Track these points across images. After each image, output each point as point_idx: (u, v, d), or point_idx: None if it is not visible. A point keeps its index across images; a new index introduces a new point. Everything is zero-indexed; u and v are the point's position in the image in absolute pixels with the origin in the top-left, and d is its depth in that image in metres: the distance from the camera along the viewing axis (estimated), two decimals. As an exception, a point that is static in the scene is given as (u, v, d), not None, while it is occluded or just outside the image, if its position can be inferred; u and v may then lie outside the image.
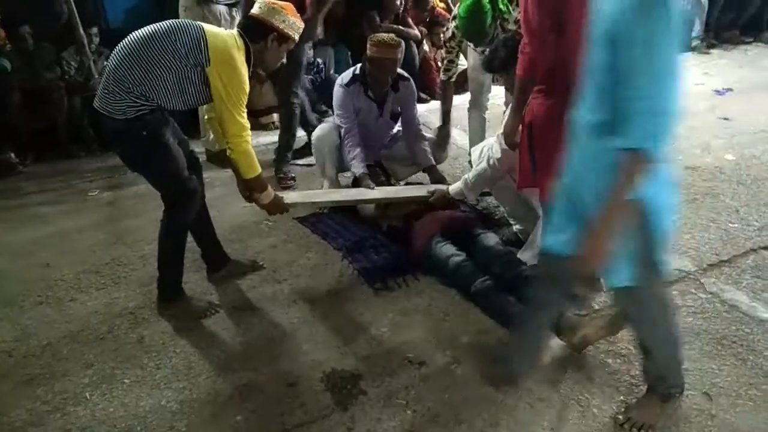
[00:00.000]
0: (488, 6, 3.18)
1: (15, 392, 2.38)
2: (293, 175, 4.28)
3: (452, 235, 3.01)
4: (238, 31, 2.65)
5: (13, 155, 4.64)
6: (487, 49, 3.34)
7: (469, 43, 3.66)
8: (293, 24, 2.70)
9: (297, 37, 2.76)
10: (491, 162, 2.92)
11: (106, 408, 2.29)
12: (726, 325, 2.57)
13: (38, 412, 2.28)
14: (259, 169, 2.70)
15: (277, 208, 2.91)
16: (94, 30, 4.94)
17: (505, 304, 2.60)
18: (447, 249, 2.90)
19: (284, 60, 2.92)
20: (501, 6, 3.24)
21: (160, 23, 2.54)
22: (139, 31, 2.53)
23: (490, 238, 3.00)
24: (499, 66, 2.99)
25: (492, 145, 2.96)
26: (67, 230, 3.69)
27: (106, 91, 2.49)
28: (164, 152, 2.59)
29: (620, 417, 2.13)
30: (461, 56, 4.03)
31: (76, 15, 4.61)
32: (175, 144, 2.64)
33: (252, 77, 2.66)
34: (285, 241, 3.42)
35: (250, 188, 2.80)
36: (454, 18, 3.52)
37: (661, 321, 2.00)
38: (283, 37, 2.70)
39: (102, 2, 5.42)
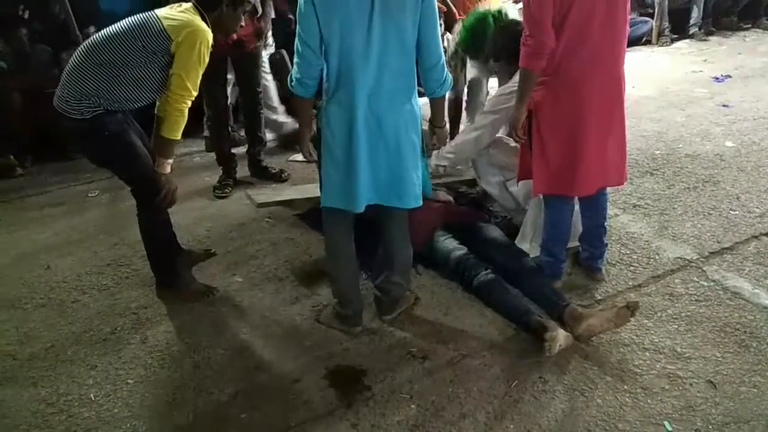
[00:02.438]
0: (492, 23, 3.19)
1: (20, 395, 2.38)
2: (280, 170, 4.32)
3: (453, 228, 3.01)
4: (192, 3, 2.64)
5: (12, 157, 4.64)
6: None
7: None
8: None
9: None
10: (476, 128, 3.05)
11: (111, 409, 2.29)
12: (729, 313, 2.57)
13: (43, 414, 2.28)
14: (180, 137, 2.61)
15: (166, 182, 2.67)
16: (92, 29, 4.92)
17: (508, 297, 2.60)
18: (449, 243, 2.90)
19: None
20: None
21: (122, 23, 2.55)
22: (103, 32, 2.55)
23: (493, 230, 3.00)
24: (495, 54, 3.03)
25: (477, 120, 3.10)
26: (68, 231, 3.69)
27: (64, 91, 2.51)
28: (128, 151, 2.60)
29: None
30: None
31: (72, 15, 4.60)
32: (137, 140, 2.65)
33: None
34: (286, 239, 3.42)
35: (161, 148, 2.63)
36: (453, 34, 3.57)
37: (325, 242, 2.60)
38: (237, 0, 2.73)
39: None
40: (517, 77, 2.87)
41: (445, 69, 2.32)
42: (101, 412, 2.28)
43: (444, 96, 2.44)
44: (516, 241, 2.99)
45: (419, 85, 2.34)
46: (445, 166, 3.32)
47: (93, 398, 2.35)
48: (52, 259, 3.37)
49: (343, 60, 2.18)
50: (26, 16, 4.85)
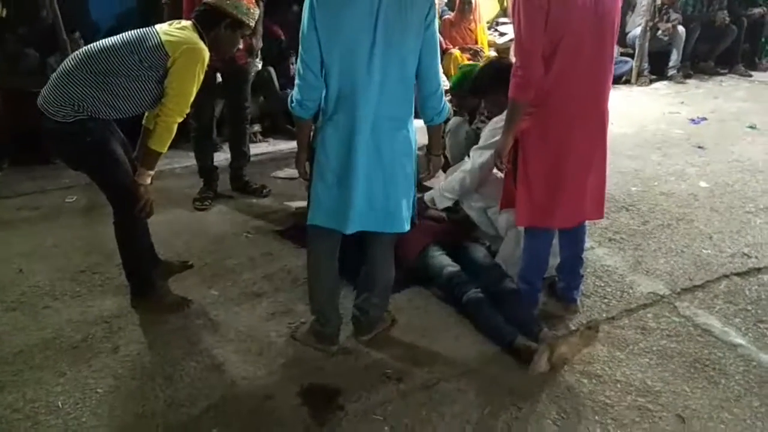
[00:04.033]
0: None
1: (-15, 399, 2.34)
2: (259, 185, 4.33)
3: (442, 246, 3.03)
4: (192, 22, 2.68)
5: (-10, 159, 4.59)
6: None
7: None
8: (246, 10, 2.77)
9: (251, 23, 2.84)
10: (472, 167, 3.07)
11: (79, 417, 2.25)
12: (699, 349, 2.61)
13: (9, 420, 2.23)
14: (166, 150, 2.63)
15: (145, 192, 2.66)
16: (77, 34, 4.91)
17: (494, 318, 2.62)
18: (442, 259, 2.93)
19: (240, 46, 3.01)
20: None
21: (122, 36, 2.58)
22: (101, 43, 2.57)
23: (478, 251, 3.03)
24: (484, 88, 3.11)
25: (472, 157, 3.11)
26: (43, 236, 3.64)
27: (50, 93, 2.51)
28: (108, 159, 2.60)
29: None
30: None
31: (60, 20, 4.59)
32: (119, 148, 2.65)
33: None
34: (265, 254, 3.41)
35: (145, 159, 2.64)
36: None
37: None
38: (237, 23, 2.77)
39: (87, 7, 5.41)
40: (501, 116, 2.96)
41: (443, 97, 2.36)
42: (68, 421, 2.23)
43: (441, 124, 2.47)
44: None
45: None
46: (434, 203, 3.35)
47: (60, 406, 2.30)
48: (25, 262, 3.32)
49: (343, 84, 2.20)
50: (4, 14, 4.84)
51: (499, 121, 2.96)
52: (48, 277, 3.17)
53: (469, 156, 3.22)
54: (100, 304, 2.93)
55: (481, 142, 3.12)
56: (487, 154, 3.01)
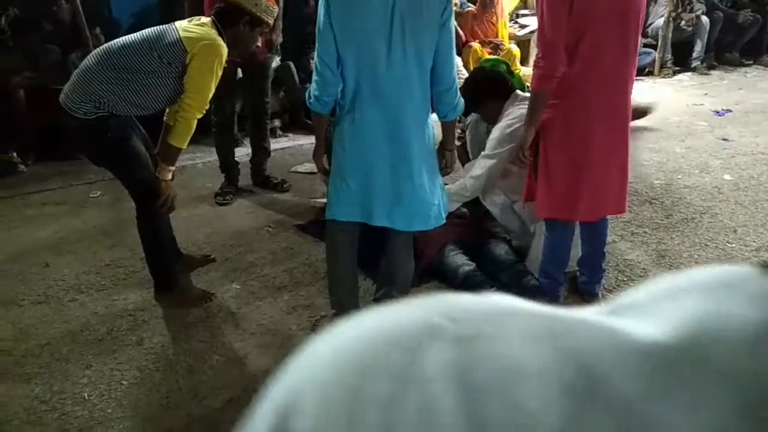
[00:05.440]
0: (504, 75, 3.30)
1: (13, 391, 2.38)
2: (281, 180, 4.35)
3: (464, 243, 3.03)
4: (211, 19, 2.70)
5: (15, 154, 4.66)
6: None
7: None
8: (266, 8, 2.79)
9: (270, 21, 2.86)
10: (482, 173, 3.05)
11: (104, 409, 2.29)
12: (723, 344, 2.58)
13: (36, 411, 2.27)
14: (186, 146, 2.66)
15: (166, 188, 2.69)
16: (97, 30, 4.97)
17: None
18: (458, 258, 2.93)
19: (258, 43, 3.04)
20: (515, 78, 3.38)
21: (141, 33, 2.60)
22: (122, 39, 2.60)
23: (500, 248, 3.02)
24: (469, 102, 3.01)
25: (479, 164, 3.09)
26: (68, 231, 3.70)
27: (72, 90, 2.53)
28: (130, 155, 2.62)
29: None
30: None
31: (82, 16, 4.64)
32: (140, 145, 2.67)
33: None
34: (285, 248, 3.43)
35: (165, 154, 2.68)
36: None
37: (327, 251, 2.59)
38: (256, 20, 2.79)
39: (108, 5, 5.47)
40: (506, 120, 2.95)
41: (458, 93, 2.34)
42: (94, 412, 2.27)
43: (455, 119, 2.46)
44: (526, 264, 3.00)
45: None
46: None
47: (87, 397, 2.34)
48: (50, 257, 3.37)
49: (360, 80, 2.20)
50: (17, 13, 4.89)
51: (506, 127, 2.95)
52: (73, 271, 3.22)
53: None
54: (124, 298, 2.98)
55: (487, 150, 3.06)
56: (490, 163, 3.00)
